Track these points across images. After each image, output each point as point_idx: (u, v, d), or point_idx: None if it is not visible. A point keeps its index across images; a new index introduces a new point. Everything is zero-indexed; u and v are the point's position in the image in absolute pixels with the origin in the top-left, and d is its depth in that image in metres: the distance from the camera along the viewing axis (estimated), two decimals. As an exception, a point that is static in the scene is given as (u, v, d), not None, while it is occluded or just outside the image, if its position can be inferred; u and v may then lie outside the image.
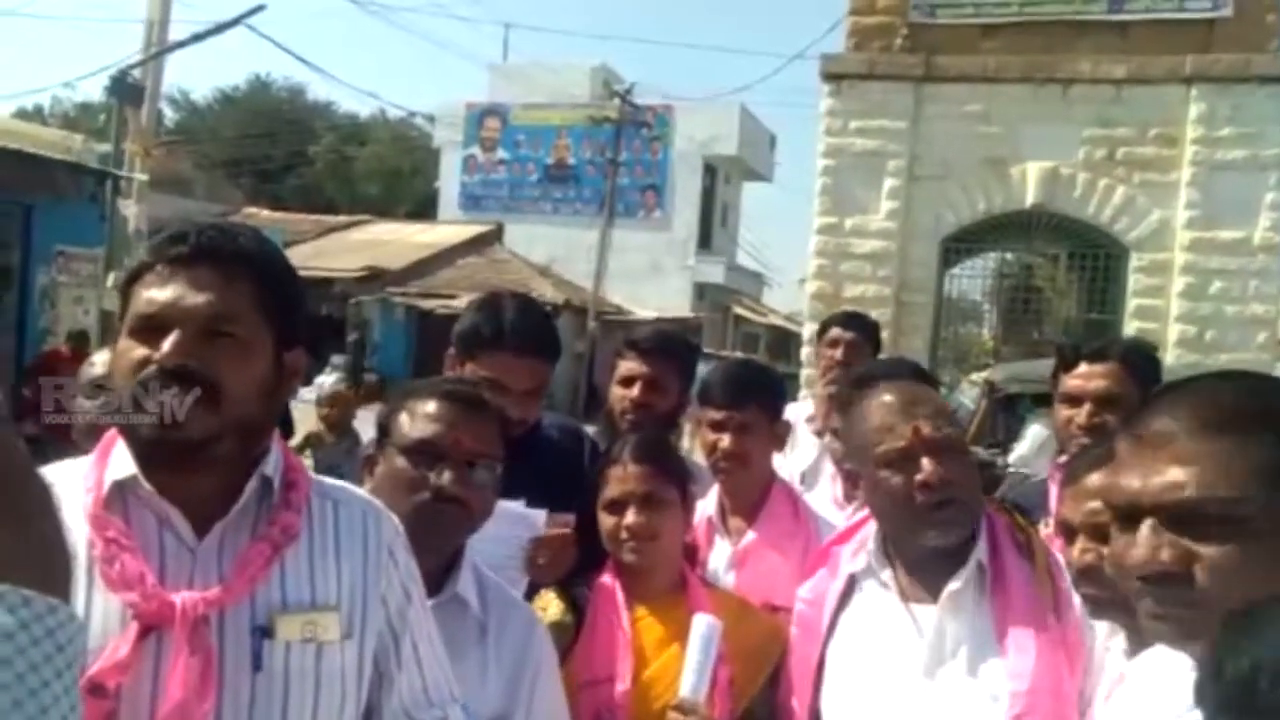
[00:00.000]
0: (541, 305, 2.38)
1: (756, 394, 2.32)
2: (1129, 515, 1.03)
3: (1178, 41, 10.28)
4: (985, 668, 1.60)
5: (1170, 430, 1.02)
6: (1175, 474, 1.00)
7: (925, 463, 1.60)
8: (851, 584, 1.76)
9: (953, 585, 1.63)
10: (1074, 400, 2.42)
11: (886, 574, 1.70)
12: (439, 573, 1.59)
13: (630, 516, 1.89)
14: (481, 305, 2.21)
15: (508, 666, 1.65)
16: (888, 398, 1.69)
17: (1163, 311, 10.34)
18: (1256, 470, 0.97)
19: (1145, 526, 1.01)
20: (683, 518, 1.98)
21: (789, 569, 2.16)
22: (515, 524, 1.97)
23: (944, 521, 1.61)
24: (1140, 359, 2.47)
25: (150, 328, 1.19)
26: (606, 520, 1.93)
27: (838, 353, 3.48)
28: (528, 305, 2.23)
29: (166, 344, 1.17)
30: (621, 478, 1.92)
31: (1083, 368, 2.45)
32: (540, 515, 2.01)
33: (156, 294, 1.20)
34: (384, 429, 1.67)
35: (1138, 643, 1.34)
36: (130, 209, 11.58)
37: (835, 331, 3.57)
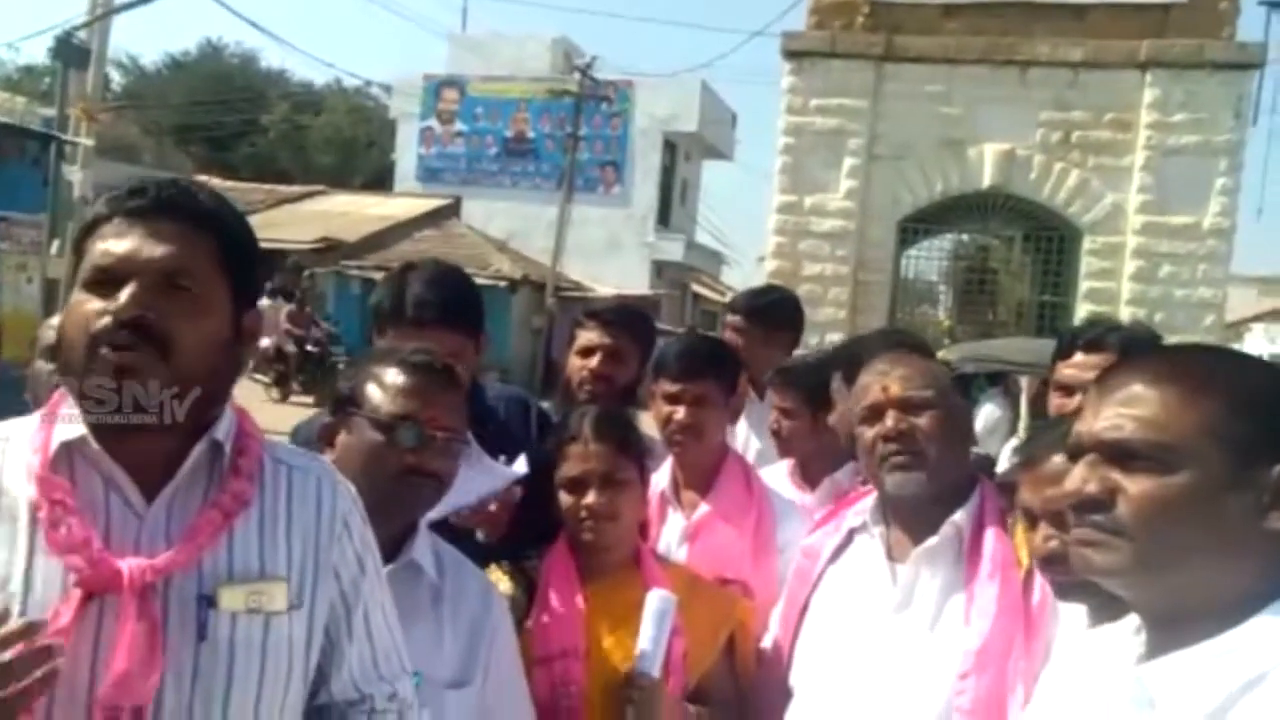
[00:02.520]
0: (457, 274, 2.22)
1: (712, 368, 2.31)
2: (1074, 455, 1.10)
3: (1133, 26, 10.41)
4: (945, 624, 1.68)
5: (1125, 382, 1.09)
6: (1117, 415, 1.07)
7: (889, 416, 1.73)
8: (849, 540, 1.87)
9: (928, 542, 1.72)
10: (1068, 390, 2.37)
11: (878, 530, 1.80)
12: (395, 539, 1.58)
13: (591, 497, 1.87)
14: (390, 278, 2.15)
15: (464, 631, 1.65)
16: (876, 365, 1.83)
17: (1114, 294, 10.51)
18: (1195, 423, 1.03)
19: (1083, 461, 1.08)
20: (641, 496, 1.97)
21: (742, 542, 2.17)
22: (487, 476, 1.95)
23: (897, 466, 1.71)
24: (1139, 349, 2.42)
25: (106, 280, 1.16)
26: (565, 498, 1.90)
27: (729, 336, 3.30)
28: (436, 276, 2.12)
29: (123, 295, 1.14)
30: (583, 456, 1.90)
31: (1078, 357, 2.42)
32: (510, 474, 1.98)
33: (114, 246, 1.17)
34: (349, 399, 1.63)
35: (1100, 619, 1.35)
36: (75, 175, 11.31)
37: (727, 316, 3.42)
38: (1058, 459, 1.48)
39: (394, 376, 1.61)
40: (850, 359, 2.40)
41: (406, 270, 2.14)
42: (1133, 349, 2.38)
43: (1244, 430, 1.02)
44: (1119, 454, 1.06)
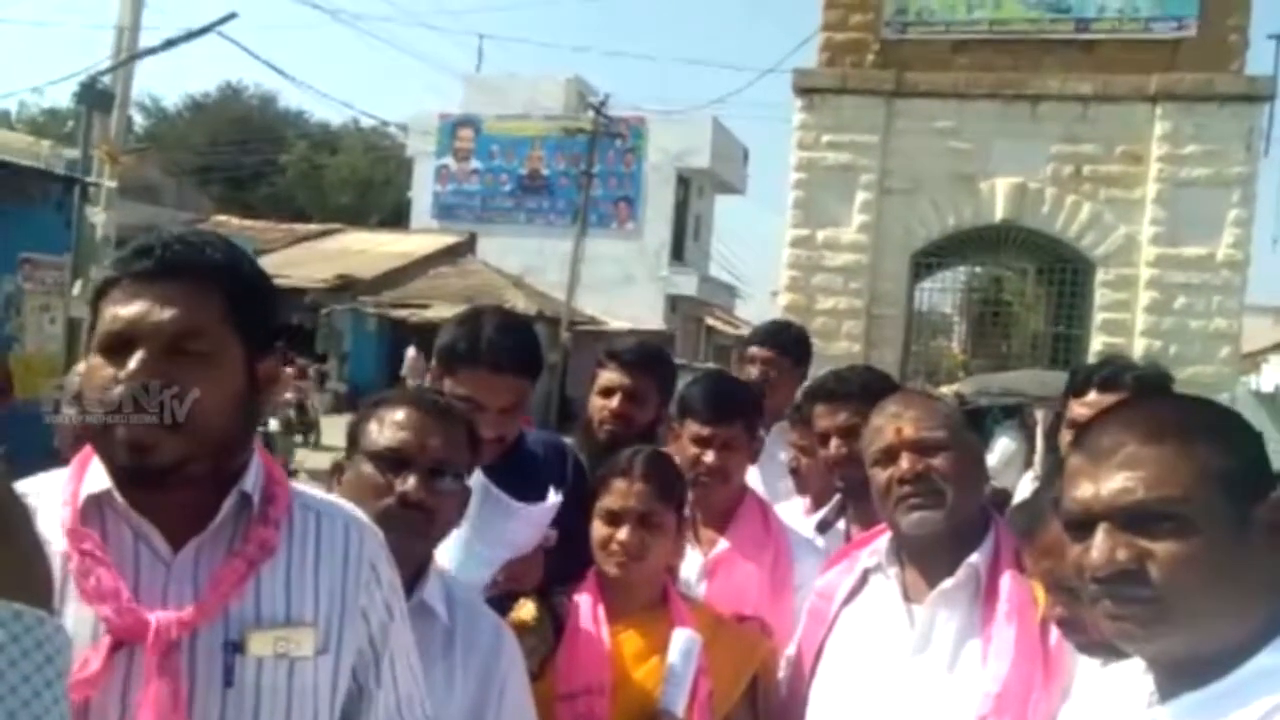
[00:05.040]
0: (524, 320, 2.32)
1: (740, 411, 2.36)
2: (1083, 524, 1.09)
3: (1143, 60, 10.47)
4: (964, 666, 1.68)
5: (1117, 442, 1.08)
6: (1125, 479, 1.06)
7: (903, 458, 1.74)
8: (864, 581, 1.88)
9: (945, 584, 1.72)
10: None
11: (893, 571, 1.80)
12: (406, 580, 1.57)
13: (624, 533, 1.90)
14: (462, 320, 2.19)
15: (475, 675, 1.65)
16: (887, 406, 1.84)
17: (1128, 326, 10.49)
18: (1198, 473, 1.04)
19: (1100, 531, 1.06)
20: (673, 541, 1.99)
21: (759, 579, 2.20)
22: (529, 526, 1.97)
23: (914, 507, 1.72)
24: (1153, 389, 2.40)
25: (116, 346, 1.18)
26: (600, 529, 1.93)
27: (754, 370, 3.29)
28: (508, 322, 2.19)
29: (132, 363, 1.15)
30: (624, 492, 1.93)
31: (1093, 395, 2.41)
32: (547, 510, 1.99)
33: (122, 310, 1.18)
34: (353, 437, 1.67)
35: (1114, 658, 1.37)
36: (98, 216, 11.47)
37: (752, 349, 3.39)
38: (1056, 527, 1.44)
39: (391, 413, 1.63)
40: (826, 395, 2.45)
41: (480, 315, 2.19)
42: (1146, 388, 2.40)
43: (1234, 471, 1.05)
44: (1136, 518, 1.04)
